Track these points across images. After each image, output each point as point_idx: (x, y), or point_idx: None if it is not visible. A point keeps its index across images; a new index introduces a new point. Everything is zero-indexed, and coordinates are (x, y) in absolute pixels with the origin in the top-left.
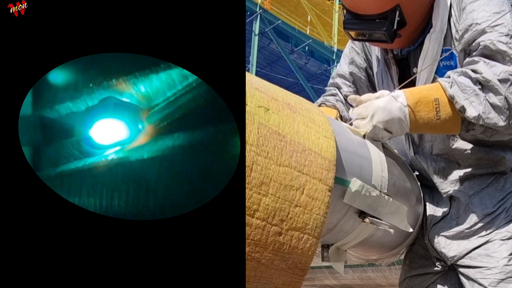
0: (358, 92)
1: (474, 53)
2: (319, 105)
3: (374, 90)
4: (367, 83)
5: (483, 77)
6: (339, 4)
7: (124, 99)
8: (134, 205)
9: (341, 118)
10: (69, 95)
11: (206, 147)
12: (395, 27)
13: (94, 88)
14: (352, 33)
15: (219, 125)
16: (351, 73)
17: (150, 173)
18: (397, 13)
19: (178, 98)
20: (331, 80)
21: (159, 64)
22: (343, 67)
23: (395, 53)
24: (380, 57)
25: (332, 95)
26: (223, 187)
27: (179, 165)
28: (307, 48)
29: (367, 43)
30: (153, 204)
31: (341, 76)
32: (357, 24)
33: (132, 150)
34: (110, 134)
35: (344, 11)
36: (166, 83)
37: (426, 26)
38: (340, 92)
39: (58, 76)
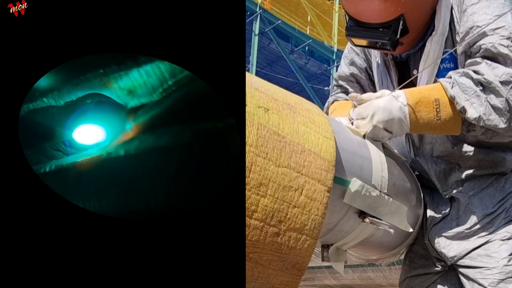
0: (363, 91)
1: (475, 55)
2: (332, 102)
3: (375, 90)
4: (368, 83)
5: (484, 78)
6: (339, 4)
7: (109, 97)
8: (115, 205)
9: None
10: (50, 92)
11: (196, 148)
12: (398, 36)
13: (76, 84)
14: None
15: (212, 124)
16: (352, 74)
17: (130, 172)
18: (401, 22)
19: (167, 96)
20: (335, 83)
21: (146, 61)
22: (343, 68)
23: (394, 55)
24: (379, 60)
25: (342, 92)
26: (218, 192)
27: (161, 166)
28: (307, 48)
29: None
30: (133, 205)
31: (343, 78)
32: (360, 31)
33: (114, 148)
34: (92, 136)
35: (347, 17)
36: (155, 79)
37: (427, 30)
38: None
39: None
